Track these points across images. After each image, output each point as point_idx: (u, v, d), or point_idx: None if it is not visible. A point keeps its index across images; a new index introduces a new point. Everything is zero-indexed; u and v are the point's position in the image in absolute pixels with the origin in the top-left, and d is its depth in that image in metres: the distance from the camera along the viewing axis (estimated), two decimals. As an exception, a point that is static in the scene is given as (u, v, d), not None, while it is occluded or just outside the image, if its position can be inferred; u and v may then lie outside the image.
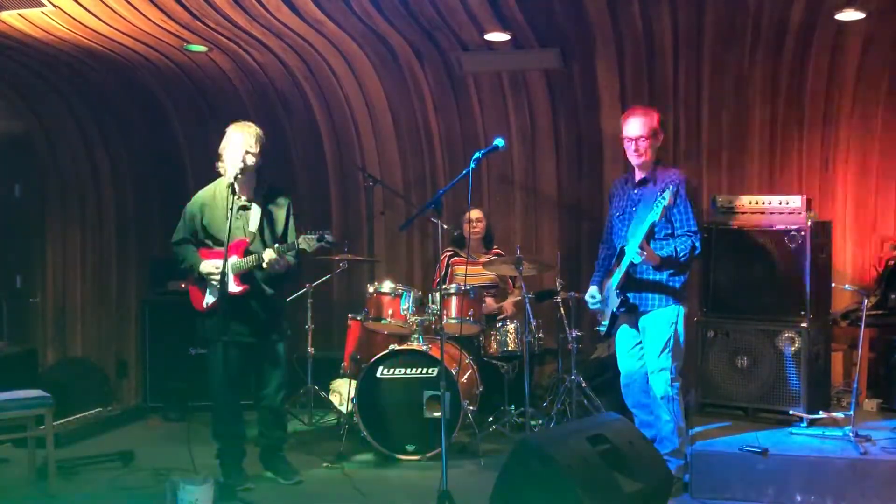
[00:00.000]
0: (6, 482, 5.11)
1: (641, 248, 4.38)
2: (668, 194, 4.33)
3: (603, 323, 4.77)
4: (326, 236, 4.64)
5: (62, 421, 5.96)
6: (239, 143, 4.77)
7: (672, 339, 4.56)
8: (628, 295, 4.61)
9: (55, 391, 5.19)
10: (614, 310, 4.65)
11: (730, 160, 6.62)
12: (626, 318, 4.71)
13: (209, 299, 4.84)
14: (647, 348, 4.63)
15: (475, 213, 6.32)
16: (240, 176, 4.70)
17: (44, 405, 4.91)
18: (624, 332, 4.77)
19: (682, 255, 4.50)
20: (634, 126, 4.65)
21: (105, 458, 5.39)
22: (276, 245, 4.76)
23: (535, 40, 6.15)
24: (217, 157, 4.88)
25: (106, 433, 6.25)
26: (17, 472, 5.18)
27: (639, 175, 4.72)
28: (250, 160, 4.78)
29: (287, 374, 5.07)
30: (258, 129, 4.87)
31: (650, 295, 4.60)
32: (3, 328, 6.77)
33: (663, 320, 4.57)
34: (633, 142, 4.64)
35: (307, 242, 4.66)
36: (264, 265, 4.70)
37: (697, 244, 4.54)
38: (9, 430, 5.05)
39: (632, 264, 4.52)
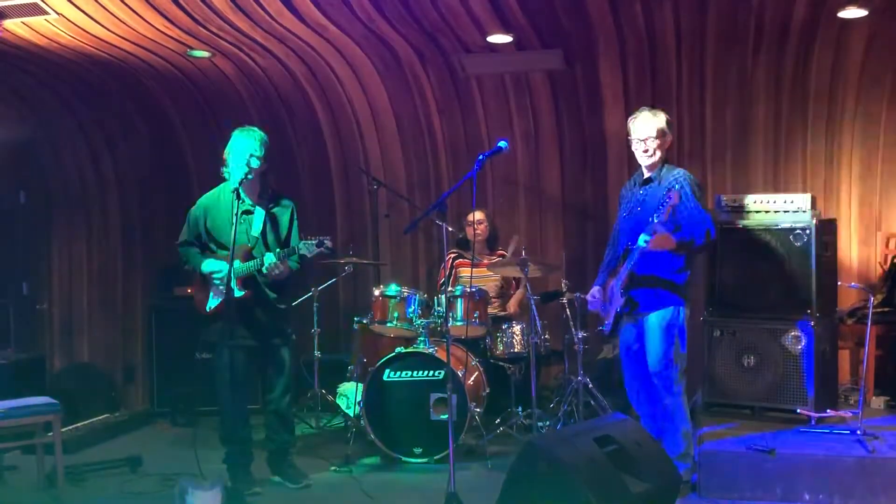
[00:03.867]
0: (15, 489, 5.13)
1: (654, 231, 4.29)
2: (673, 194, 4.32)
3: (606, 322, 4.77)
4: (326, 242, 4.66)
5: (70, 427, 5.99)
6: (243, 148, 4.79)
7: (674, 342, 4.53)
8: (631, 294, 4.60)
9: (63, 398, 5.20)
10: (618, 309, 4.64)
11: (734, 159, 6.61)
12: (629, 318, 4.70)
13: (212, 303, 4.86)
14: (649, 351, 4.62)
15: (477, 215, 6.31)
16: (244, 180, 4.72)
17: (52, 412, 4.93)
18: (627, 333, 4.75)
19: (697, 237, 4.42)
20: (642, 126, 4.64)
21: (113, 463, 5.40)
22: (278, 250, 4.77)
23: (537, 41, 6.15)
24: (222, 161, 4.90)
25: (114, 439, 6.27)
26: (26, 479, 5.20)
27: (645, 175, 4.71)
28: (255, 164, 4.79)
29: (292, 378, 5.07)
30: (263, 134, 4.89)
31: (652, 295, 4.58)
32: (11, 335, 6.78)
33: (664, 323, 4.54)
34: (643, 142, 4.63)
35: (307, 248, 4.68)
36: (264, 270, 4.71)
37: (712, 229, 4.47)
38: (17, 437, 5.06)
39: (636, 264, 4.50)
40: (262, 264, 4.70)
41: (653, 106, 4.76)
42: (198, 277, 4.94)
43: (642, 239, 4.37)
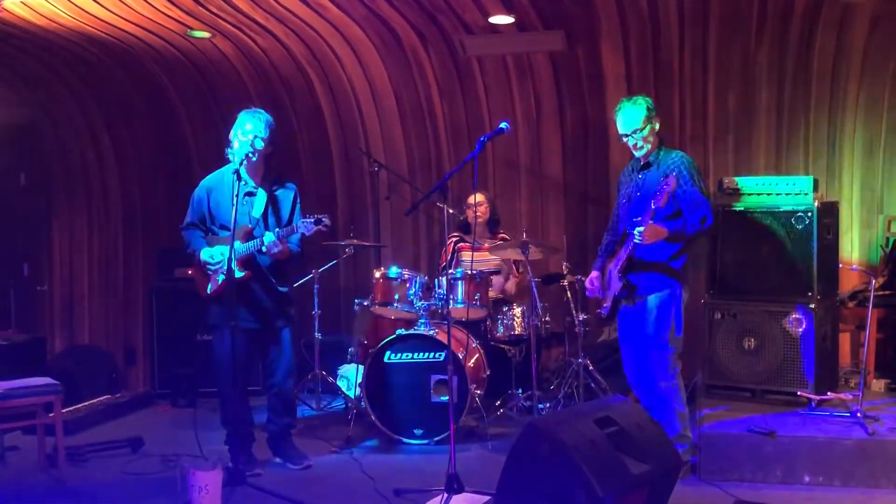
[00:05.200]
0: (16, 469, 5.13)
1: (645, 224, 4.33)
2: (671, 180, 4.32)
3: (605, 306, 4.77)
4: (323, 220, 4.65)
5: (71, 408, 6.00)
6: (249, 130, 4.78)
7: (670, 325, 4.54)
8: (629, 277, 4.61)
9: (63, 379, 5.22)
10: (616, 293, 4.65)
11: (736, 142, 6.59)
12: (627, 301, 4.70)
13: (212, 286, 4.86)
14: (646, 334, 4.62)
15: (478, 197, 6.29)
16: (247, 162, 4.71)
17: (53, 392, 4.94)
18: (625, 316, 4.76)
19: (690, 225, 4.44)
20: (624, 123, 4.64)
21: (114, 444, 5.41)
22: (276, 229, 4.77)
23: (539, 22, 6.12)
24: (226, 142, 4.89)
25: (115, 420, 6.28)
26: (27, 460, 5.21)
27: (643, 160, 4.71)
28: (259, 146, 4.78)
29: (294, 360, 5.08)
30: (269, 116, 4.88)
31: (649, 279, 4.59)
32: (12, 316, 6.79)
33: (661, 306, 4.55)
34: (630, 136, 4.64)
35: (305, 226, 4.67)
36: (263, 249, 4.71)
37: (709, 215, 4.46)
38: (18, 418, 5.07)
39: (634, 247, 4.51)
40: (262, 243, 4.70)
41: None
42: (199, 260, 4.94)
43: (636, 233, 4.40)
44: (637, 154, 4.70)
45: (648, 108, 4.62)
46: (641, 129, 4.59)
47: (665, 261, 4.57)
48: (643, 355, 4.67)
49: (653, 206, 4.34)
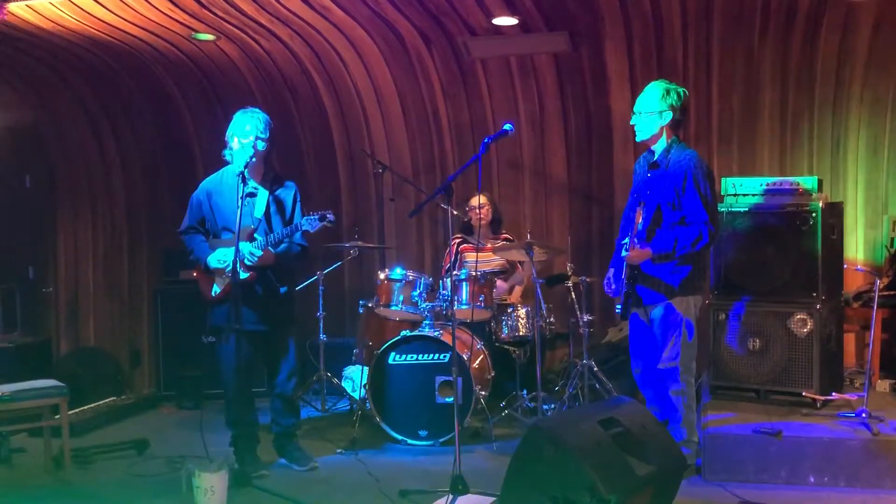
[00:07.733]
0: (22, 471, 5.15)
1: (630, 248, 4.36)
2: (632, 252, 4.38)
3: (618, 304, 4.74)
4: (328, 215, 4.64)
5: (76, 410, 6.01)
6: (249, 130, 4.78)
7: (679, 333, 4.50)
8: (636, 287, 4.58)
9: (69, 381, 5.23)
10: (622, 297, 4.62)
11: (740, 142, 6.59)
12: (636, 307, 4.66)
13: (217, 288, 4.87)
14: (656, 342, 4.59)
15: (479, 200, 6.28)
16: (249, 163, 4.71)
17: (58, 395, 4.95)
18: (635, 319, 4.74)
19: (680, 246, 4.37)
20: (638, 99, 4.59)
21: (120, 446, 5.42)
22: (259, 238, 4.74)
23: (542, 24, 6.13)
24: (224, 144, 4.89)
25: (120, 422, 6.29)
26: (33, 462, 5.22)
27: (653, 157, 4.61)
28: (260, 147, 4.79)
29: (298, 361, 5.08)
30: (266, 116, 4.87)
31: (650, 290, 4.55)
32: (17, 319, 6.80)
33: (670, 314, 4.52)
34: (633, 115, 4.58)
35: (309, 223, 4.66)
36: (247, 262, 4.68)
37: (705, 234, 4.36)
38: (24, 420, 5.08)
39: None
40: (243, 255, 4.65)
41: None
42: (205, 266, 4.93)
43: (624, 252, 4.43)
44: (637, 138, 4.63)
45: (664, 98, 4.47)
46: (641, 114, 4.52)
47: (662, 276, 4.52)
48: (651, 359, 4.66)
49: (639, 222, 4.35)
